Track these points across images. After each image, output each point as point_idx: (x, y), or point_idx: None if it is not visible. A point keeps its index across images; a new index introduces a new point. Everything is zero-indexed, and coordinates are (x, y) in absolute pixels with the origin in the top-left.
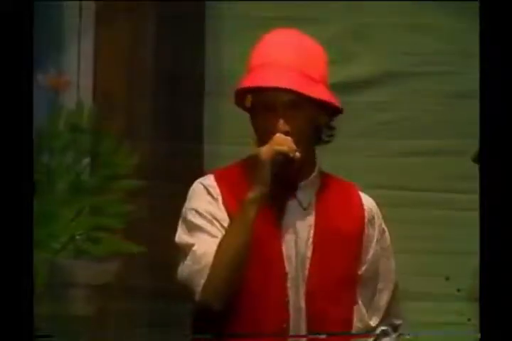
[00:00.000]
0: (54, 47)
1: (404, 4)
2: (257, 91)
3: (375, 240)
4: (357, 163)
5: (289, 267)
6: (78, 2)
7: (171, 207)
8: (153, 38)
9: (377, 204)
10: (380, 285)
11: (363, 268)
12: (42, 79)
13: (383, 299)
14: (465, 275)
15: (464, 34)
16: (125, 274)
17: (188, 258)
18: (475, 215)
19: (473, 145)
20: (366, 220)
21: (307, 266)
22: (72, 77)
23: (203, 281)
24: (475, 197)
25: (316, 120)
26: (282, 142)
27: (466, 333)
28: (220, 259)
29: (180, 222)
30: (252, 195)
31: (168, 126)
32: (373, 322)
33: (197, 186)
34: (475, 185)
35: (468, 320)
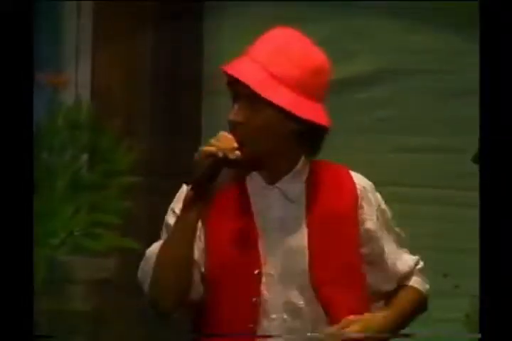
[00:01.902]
0: (52, 46)
1: (403, 3)
2: (229, 77)
3: (373, 217)
4: (356, 160)
5: (275, 264)
6: (76, 1)
7: (169, 204)
8: (152, 36)
9: (387, 198)
10: (389, 260)
11: (366, 246)
12: (41, 77)
13: (397, 270)
14: (463, 272)
15: (463, 32)
16: (124, 270)
17: (143, 258)
18: (473, 212)
19: (472, 142)
20: (360, 199)
21: (306, 257)
22: (71, 74)
23: (149, 280)
24: (473, 194)
25: (281, 122)
26: (216, 142)
27: (466, 334)
28: (159, 261)
29: None
30: (187, 196)
31: (167, 123)
32: (389, 287)
33: (182, 187)
34: (473, 182)
35: (466, 316)
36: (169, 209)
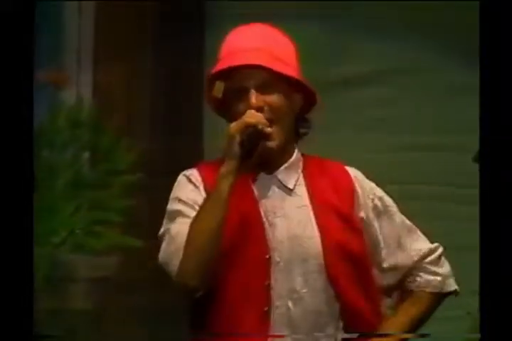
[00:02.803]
0: (54, 44)
1: (403, 2)
2: (229, 76)
3: (367, 206)
4: (356, 158)
5: (280, 251)
6: (78, 1)
7: None
8: (153, 35)
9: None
10: (386, 250)
11: (366, 236)
12: (42, 75)
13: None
14: (464, 270)
15: (464, 30)
16: (124, 268)
17: (164, 240)
18: (474, 210)
19: (472, 140)
20: (354, 188)
21: (317, 245)
22: (72, 73)
23: (178, 260)
24: (474, 192)
25: (290, 100)
26: (252, 116)
27: (466, 334)
28: (193, 237)
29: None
30: (223, 169)
31: (168, 121)
32: (388, 281)
33: (180, 178)
34: (474, 179)
35: (468, 313)
36: (172, 199)
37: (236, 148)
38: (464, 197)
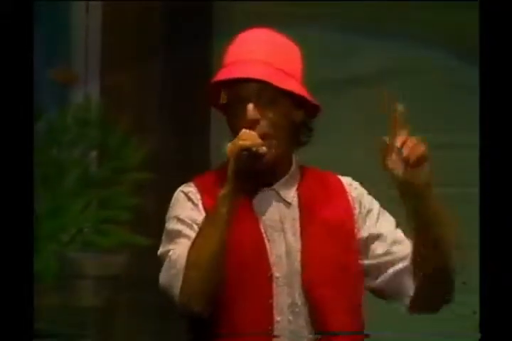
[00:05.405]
0: (62, 43)
1: (405, 2)
2: (231, 85)
3: (366, 217)
4: (358, 157)
5: (279, 266)
6: (85, 0)
7: None
8: (162, 33)
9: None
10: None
11: (363, 235)
12: (51, 74)
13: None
14: (471, 269)
15: (464, 30)
16: (133, 266)
17: (165, 264)
18: (475, 208)
19: (474, 139)
20: (352, 203)
21: (299, 259)
22: (80, 71)
23: (180, 284)
24: (474, 190)
25: (290, 115)
26: (246, 137)
27: (466, 334)
28: (193, 259)
29: (163, 234)
30: (221, 192)
31: (176, 120)
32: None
33: (178, 194)
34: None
35: (474, 312)
36: (171, 217)
37: (232, 173)
38: (471, 196)
